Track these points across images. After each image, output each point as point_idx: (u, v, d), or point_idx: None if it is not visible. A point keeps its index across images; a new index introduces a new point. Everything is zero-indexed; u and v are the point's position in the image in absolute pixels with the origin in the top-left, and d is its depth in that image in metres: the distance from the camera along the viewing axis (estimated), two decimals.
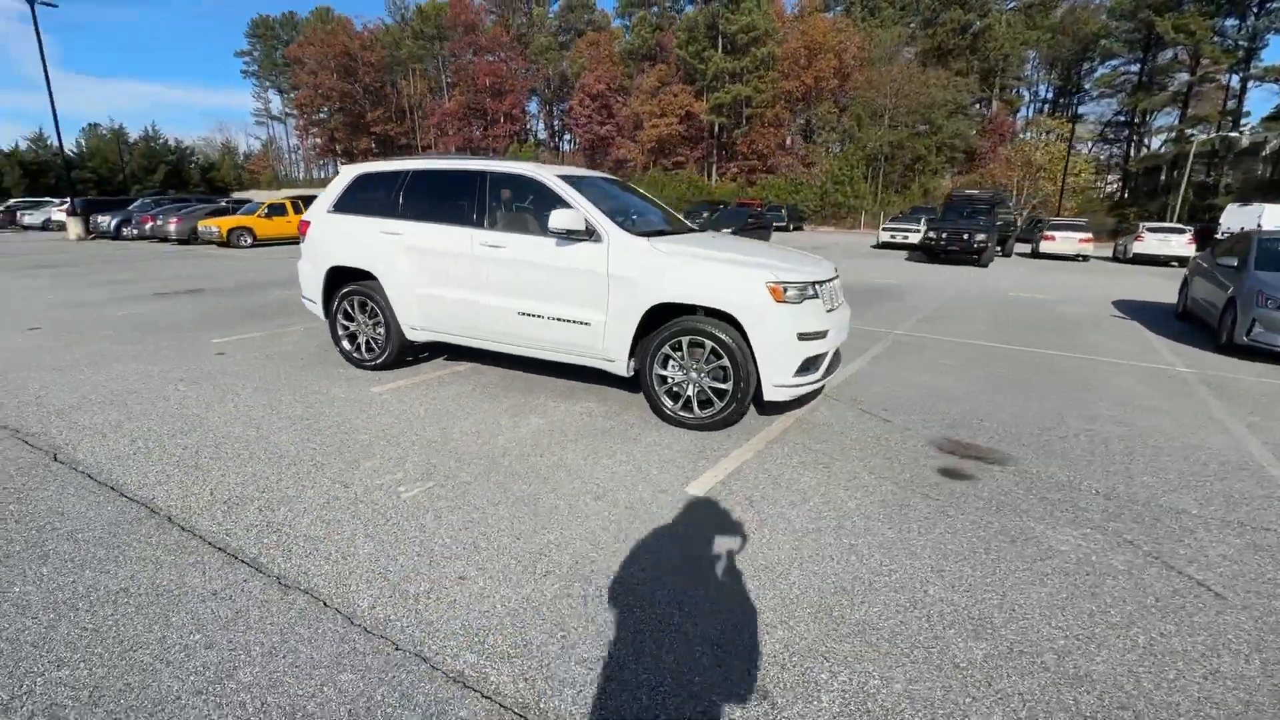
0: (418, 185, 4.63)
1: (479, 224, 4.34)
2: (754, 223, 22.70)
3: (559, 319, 4.11)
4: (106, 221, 21.18)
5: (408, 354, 5.05)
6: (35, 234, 25.50)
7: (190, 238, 18.66)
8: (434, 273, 4.49)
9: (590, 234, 3.96)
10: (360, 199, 4.83)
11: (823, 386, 4.78)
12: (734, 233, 21.12)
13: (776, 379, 3.69)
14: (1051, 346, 6.65)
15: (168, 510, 2.73)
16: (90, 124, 53.84)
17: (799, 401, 4.42)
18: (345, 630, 2.01)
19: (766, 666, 1.91)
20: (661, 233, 4.41)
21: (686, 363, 3.85)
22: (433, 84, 63.58)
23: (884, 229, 23.43)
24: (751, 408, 4.27)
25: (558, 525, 2.71)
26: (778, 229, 34.07)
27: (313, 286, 5.06)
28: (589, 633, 2.03)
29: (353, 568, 2.35)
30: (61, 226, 23.78)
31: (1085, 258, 20.01)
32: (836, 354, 4.35)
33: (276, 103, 74.22)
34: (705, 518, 2.81)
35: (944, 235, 16.55)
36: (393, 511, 2.78)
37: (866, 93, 43.03)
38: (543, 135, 66.39)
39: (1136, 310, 9.57)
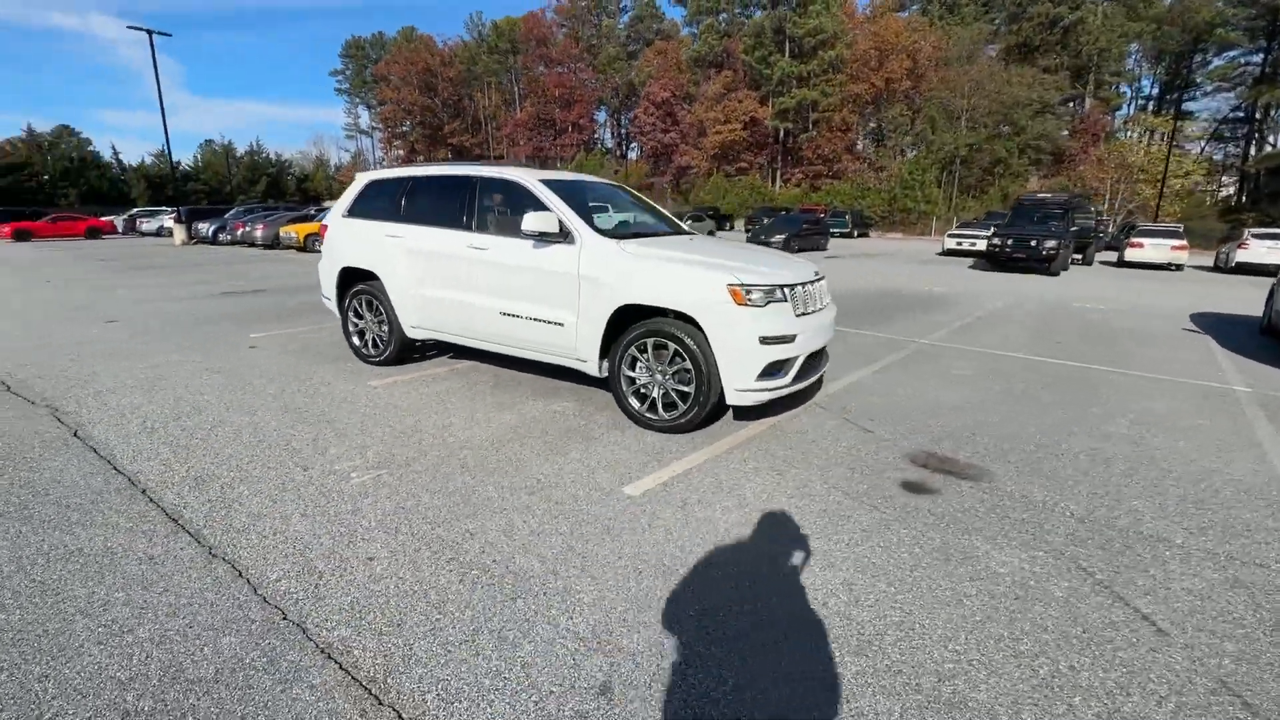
0: (417, 190, 4.89)
1: (468, 227, 4.52)
2: (809, 229, 22.21)
3: (536, 319, 4.22)
4: (205, 228, 23.39)
5: (411, 351, 5.32)
6: (150, 239, 28.51)
7: (274, 243, 20.29)
8: (429, 274, 4.71)
9: (564, 236, 4.05)
10: (370, 204, 5.14)
11: (818, 385, 4.70)
12: (787, 239, 20.78)
13: (738, 383, 3.63)
14: (1093, 360, 6.14)
15: (145, 484, 3.02)
16: (206, 140, 59.69)
17: (779, 407, 4.32)
18: (246, 598, 2.17)
19: (620, 664, 1.90)
20: (639, 235, 4.43)
21: (652, 365, 3.86)
22: (506, 96, 66.14)
23: (950, 235, 22.32)
24: (730, 413, 4.22)
25: (481, 516, 2.79)
26: (841, 236, 33.14)
27: (329, 286, 5.43)
28: (463, 619, 2.09)
29: (278, 543, 2.53)
30: (171, 233, 26.42)
31: (1179, 267, 18.24)
32: (820, 359, 4.24)
33: (365, 118, 79.40)
34: (627, 516, 2.81)
35: (1009, 241, 15.57)
36: (335, 494, 2.95)
37: (941, 93, 41.10)
38: (610, 144, 67.60)
39: (1215, 324, 8.66)
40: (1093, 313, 9.40)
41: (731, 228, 38.60)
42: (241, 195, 50.86)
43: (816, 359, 4.12)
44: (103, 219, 31.97)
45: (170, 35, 23.19)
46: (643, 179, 54.48)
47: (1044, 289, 12.40)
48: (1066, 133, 43.25)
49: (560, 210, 4.09)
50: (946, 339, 7.08)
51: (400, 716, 1.69)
